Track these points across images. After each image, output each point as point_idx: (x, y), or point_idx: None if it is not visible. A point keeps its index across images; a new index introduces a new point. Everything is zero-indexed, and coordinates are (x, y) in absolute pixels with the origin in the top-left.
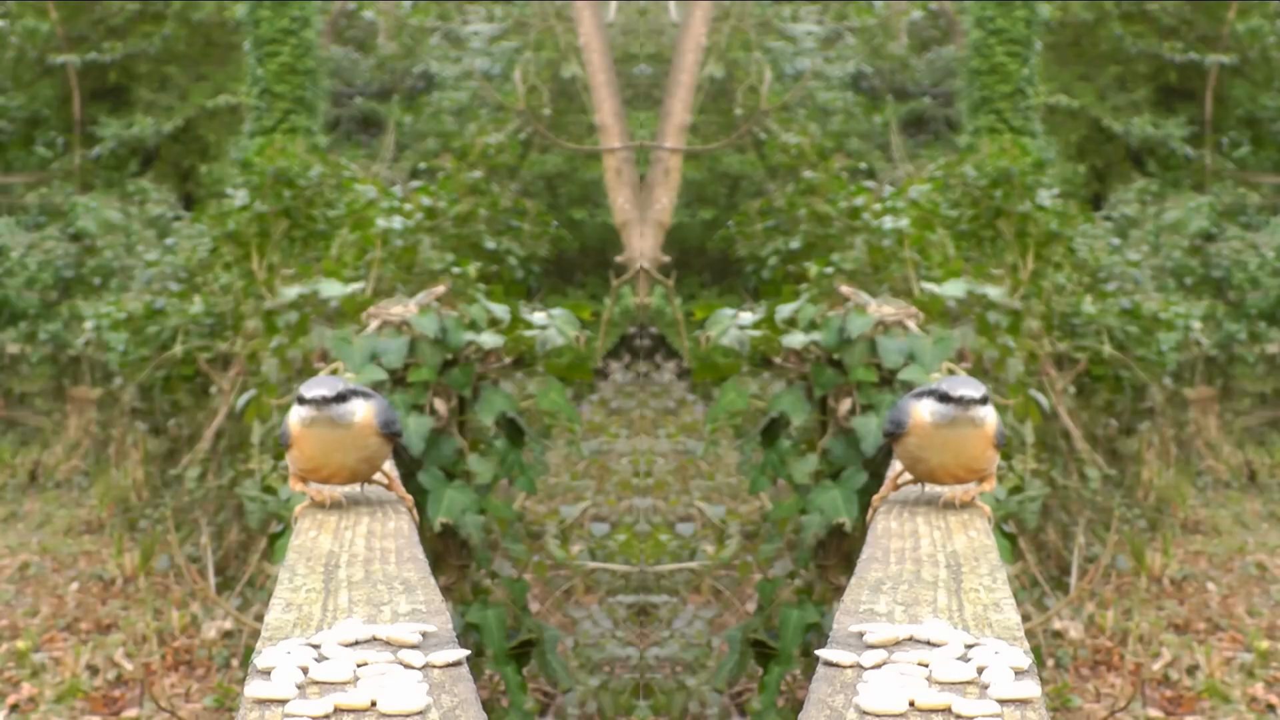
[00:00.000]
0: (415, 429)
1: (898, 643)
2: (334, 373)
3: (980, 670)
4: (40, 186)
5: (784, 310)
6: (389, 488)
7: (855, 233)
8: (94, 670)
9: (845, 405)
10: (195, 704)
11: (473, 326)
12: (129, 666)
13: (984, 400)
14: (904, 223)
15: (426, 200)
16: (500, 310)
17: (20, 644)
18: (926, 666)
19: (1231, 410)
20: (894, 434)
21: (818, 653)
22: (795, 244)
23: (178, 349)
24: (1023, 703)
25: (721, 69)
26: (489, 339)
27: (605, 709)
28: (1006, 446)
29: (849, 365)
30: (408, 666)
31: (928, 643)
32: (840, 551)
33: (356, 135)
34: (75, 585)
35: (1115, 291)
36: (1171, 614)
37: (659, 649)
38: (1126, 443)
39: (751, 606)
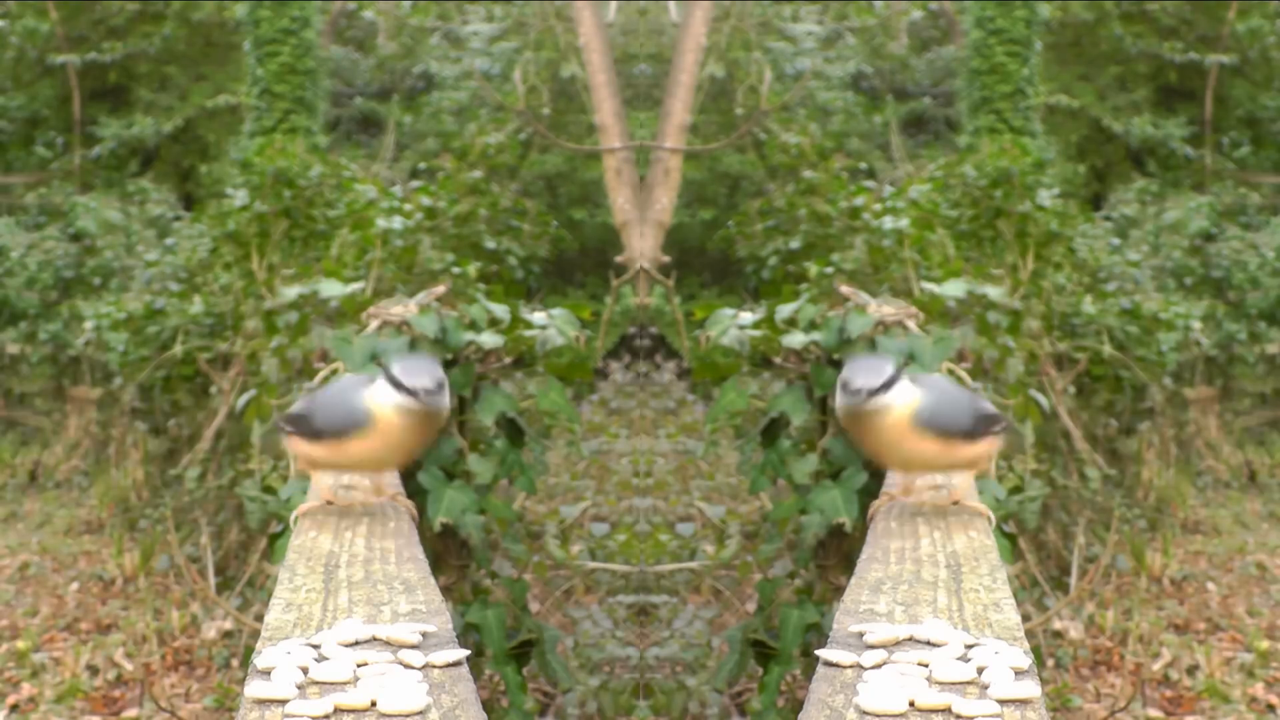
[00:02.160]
0: None
1: (898, 643)
2: (334, 373)
3: (980, 670)
4: (40, 186)
5: (784, 310)
6: (393, 499)
7: (855, 233)
8: (94, 670)
9: None
10: (195, 704)
11: (473, 326)
12: (129, 666)
13: (888, 385)
14: (904, 223)
15: (426, 200)
16: (500, 310)
17: (20, 644)
18: (926, 666)
19: (1231, 410)
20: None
21: (818, 653)
22: (795, 244)
23: (178, 349)
24: (1023, 703)
25: (721, 69)
26: (489, 339)
27: (605, 709)
28: (1006, 447)
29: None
30: (408, 666)
31: (928, 643)
32: (840, 551)
33: (356, 135)
34: (75, 585)
35: (1115, 291)
36: (1171, 614)
37: (659, 649)
38: (1126, 443)
39: (751, 606)
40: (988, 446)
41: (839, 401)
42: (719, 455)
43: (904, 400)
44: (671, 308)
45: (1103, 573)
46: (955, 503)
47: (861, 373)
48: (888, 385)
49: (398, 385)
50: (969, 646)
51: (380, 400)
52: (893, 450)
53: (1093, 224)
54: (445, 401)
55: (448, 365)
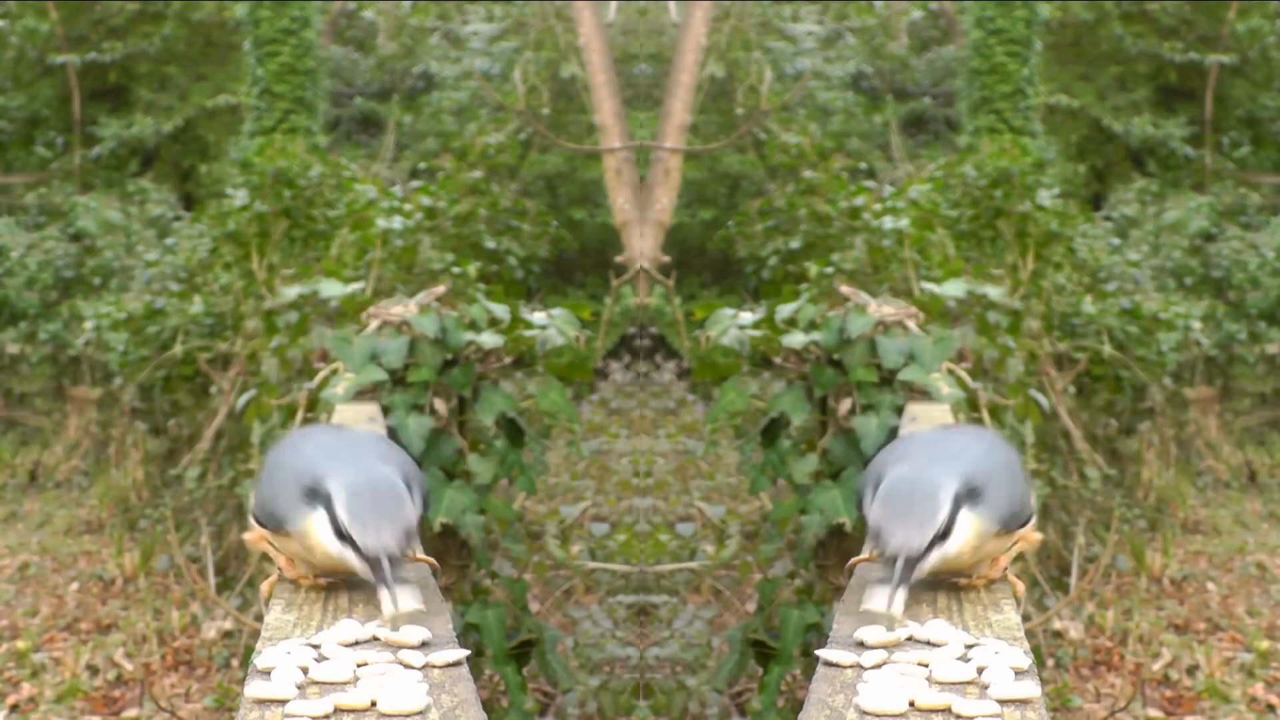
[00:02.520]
0: (415, 429)
1: (898, 643)
2: (334, 373)
3: (980, 670)
4: (40, 186)
5: (784, 310)
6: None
7: (855, 233)
8: (94, 670)
9: (845, 405)
10: (195, 704)
11: (473, 326)
12: (129, 666)
13: (944, 534)
14: (904, 223)
15: (426, 200)
16: (500, 310)
17: (20, 644)
18: (926, 666)
19: (1231, 410)
20: None
21: (818, 653)
22: (795, 244)
23: (178, 349)
24: (1023, 703)
25: (721, 69)
26: (489, 339)
27: (605, 709)
28: None
29: (849, 365)
30: (408, 666)
31: (928, 643)
32: (840, 551)
33: (356, 135)
34: (75, 585)
35: (1115, 291)
36: (1171, 614)
37: (659, 649)
38: (1126, 443)
39: (751, 606)
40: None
41: (869, 541)
42: (719, 455)
43: (966, 539)
44: (671, 308)
45: (1103, 573)
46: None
47: (899, 522)
48: (943, 535)
49: (344, 538)
50: (969, 646)
51: (321, 540)
52: (954, 568)
53: (1093, 224)
54: (415, 545)
55: (448, 365)
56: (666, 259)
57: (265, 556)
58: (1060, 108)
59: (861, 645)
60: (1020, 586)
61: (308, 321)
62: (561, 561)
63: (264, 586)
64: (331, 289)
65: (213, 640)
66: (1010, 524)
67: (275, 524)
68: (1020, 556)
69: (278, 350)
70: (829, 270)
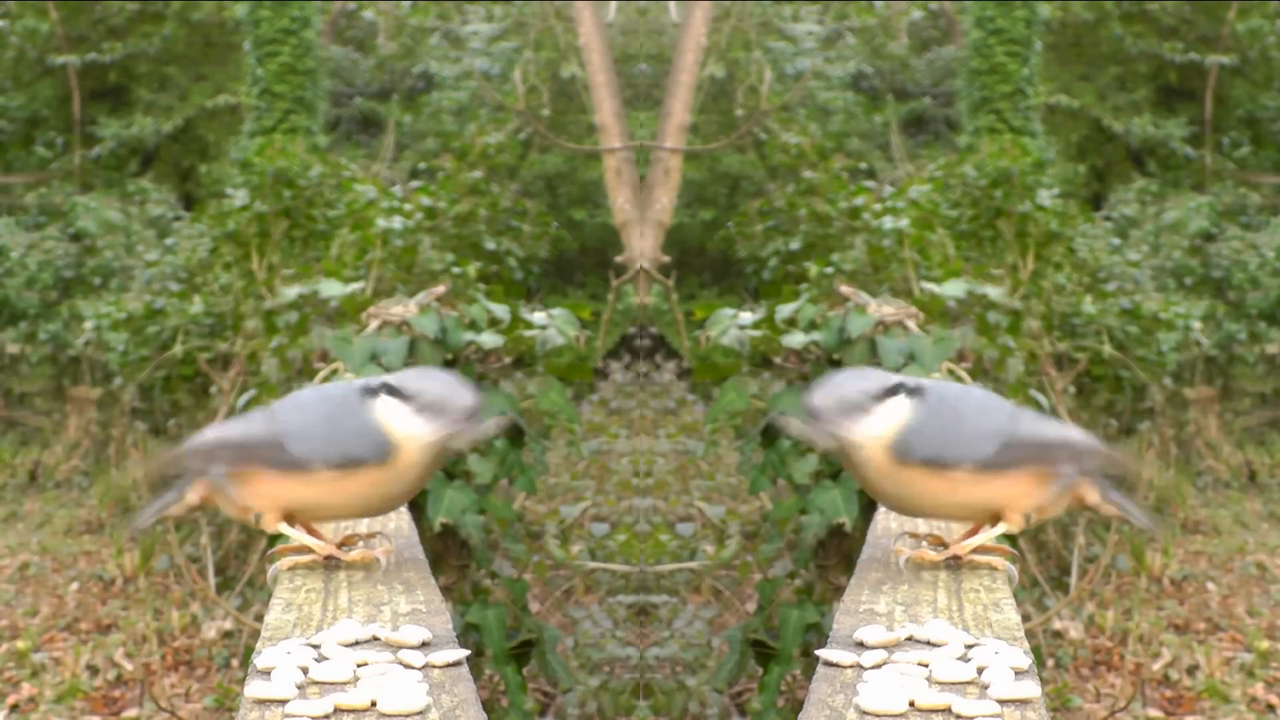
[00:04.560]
0: None
1: (898, 643)
2: (334, 373)
3: (980, 670)
4: (40, 186)
5: (784, 310)
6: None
7: (855, 233)
8: (94, 670)
9: None
10: (195, 704)
11: (473, 326)
12: (129, 666)
13: (849, 407)
14: (904, 223)
15: (426, 200)
16: (500, 310)
17: (20, 644)
18: (926, 666)
19: (1231, 410)
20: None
21: (818, 653)
22: (795, 244)
23: (178, 349)
24: (1023, 703)
25: (721, 69)
26: (489, 339)
27: (605, 709)
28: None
29: (849, 365)
30: (408, 666)
31: (928, 643)
32: (840, 551)
33: (356, 135)
34: (75, 585)
35: (1115, 291)
36: (1171, 614)
37: (659, 649)
38: (1126, 443)
39: (751, 606)
40: (1026, 483)
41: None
42: (719, 455)
43: (895, 417)
44: (671, 307)
45: (1103, 573)
46: (955, 558)
47: (824, 389)
48: (850, 406)
49: (435, 408)
50: (969, 646)
51: (404, 428)
52: (879, 494)
53: (1093, 224)
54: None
55: (448, 365)
56: (666, 259)
57: (265, 556)
58: (1060, 108)
59: (861, 645)
60: (1000, 561)
61: (308, 321)
62: (561, 561)
63: (281, 564)
64: (331, 289)
65: (213, 640)
66: (926, 453)
67: (354, 451)
68: (1020, 557)
69: (278, 350)
70: (829, 270)
